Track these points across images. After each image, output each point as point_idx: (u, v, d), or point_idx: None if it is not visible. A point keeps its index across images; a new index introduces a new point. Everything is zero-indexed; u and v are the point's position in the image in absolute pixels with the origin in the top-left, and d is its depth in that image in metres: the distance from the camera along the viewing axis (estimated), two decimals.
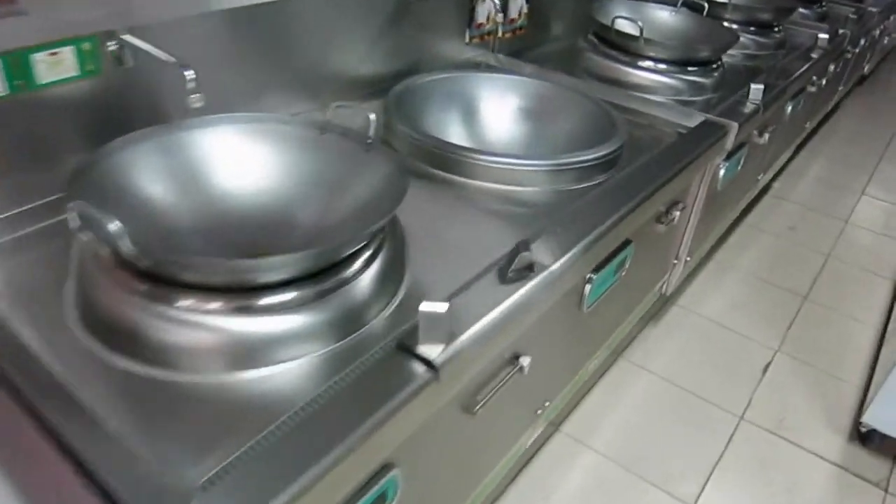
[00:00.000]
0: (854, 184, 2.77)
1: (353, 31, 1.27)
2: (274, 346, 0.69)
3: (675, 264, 1.63)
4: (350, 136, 0.93)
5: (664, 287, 1.67)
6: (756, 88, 1.52)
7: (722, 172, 1.54)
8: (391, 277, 0.84)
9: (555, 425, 1.47)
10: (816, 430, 1.55)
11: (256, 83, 1.12)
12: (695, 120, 1.42)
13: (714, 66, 1.70)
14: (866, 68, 3.71)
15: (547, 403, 1.16)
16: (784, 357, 1.77)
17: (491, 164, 1.10)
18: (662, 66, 1.62)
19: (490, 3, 1.58)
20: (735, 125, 1.41)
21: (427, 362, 0.68)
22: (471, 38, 1.59)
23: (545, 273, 0.85)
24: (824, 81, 2.38)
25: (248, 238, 0.86)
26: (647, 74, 1.62)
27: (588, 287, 1.08)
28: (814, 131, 3.07)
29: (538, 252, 0.88)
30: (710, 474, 1.42)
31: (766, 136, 1.78)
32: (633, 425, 1.50)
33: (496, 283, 0.81)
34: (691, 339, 1.79)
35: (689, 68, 1.64)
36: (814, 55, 2.08)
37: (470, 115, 1.38)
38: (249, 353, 0.68)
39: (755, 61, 1.98)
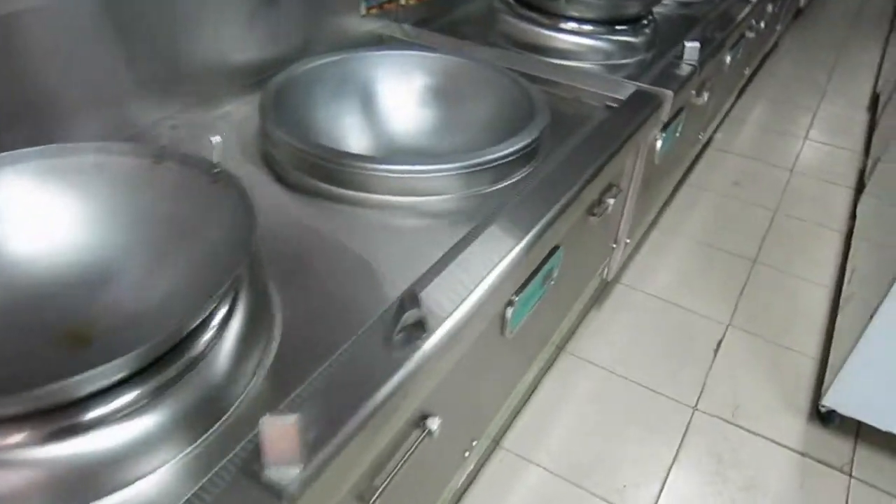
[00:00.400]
0: (797, 128, 2.66)
1: (219, 11, 1.05)
2: (114, 468, 0.52)
3: (614, 248, 1.48)
4: (193, 163, 0.73)
5: (605, 272, 1.52)
6: (691, 47, 1.36)
7: (659, 144, 1.38)
8: (254, 341, 0.66)
9: (495, 441, 1.33)
10: (774, 413, 1.45)
11: (87, 89, 0.90)
12: (625, 90, 1.25)
13: (645, 22, 1.53)
14: (802, 1, 3.59)
15: (475, 443, 1.01)
16: (736, 332, 1.65)
17: (389, 174, 0.91)
18: (588, 28, 1.44)
19: None
20: (670, 94, 1.25)
21: (277, 492, 0.51)
22: (368, 10, 1.37)
23: (446, 327, 0.68)
24: (763, 24, 2.23)
25: (65, 316, 0.66)
26: (570, 38, 1.43)
27: (510, 310, 0.91)
28: (753, 74, 2.95)
29: (438, 295, 0.71)
30: (665, 479, 1.30)
31: (705, 94, 1.62)
32: (579, 432, 1.37)
33: (379, 350, 0.64)
34: (638, 321, 1.66)
35: (618, 27, 1.46)
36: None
37: (367, 104, 1.18)
38: (82, 484, 0.51)
39: (690, 10, 1.81)
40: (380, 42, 1.40)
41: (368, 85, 1.20)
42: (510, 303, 0.90)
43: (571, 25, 1.43)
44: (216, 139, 0.75)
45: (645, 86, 1.26)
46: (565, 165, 1.02)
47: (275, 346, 0.67)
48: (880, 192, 1.88)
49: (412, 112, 1.20)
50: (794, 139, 2.58)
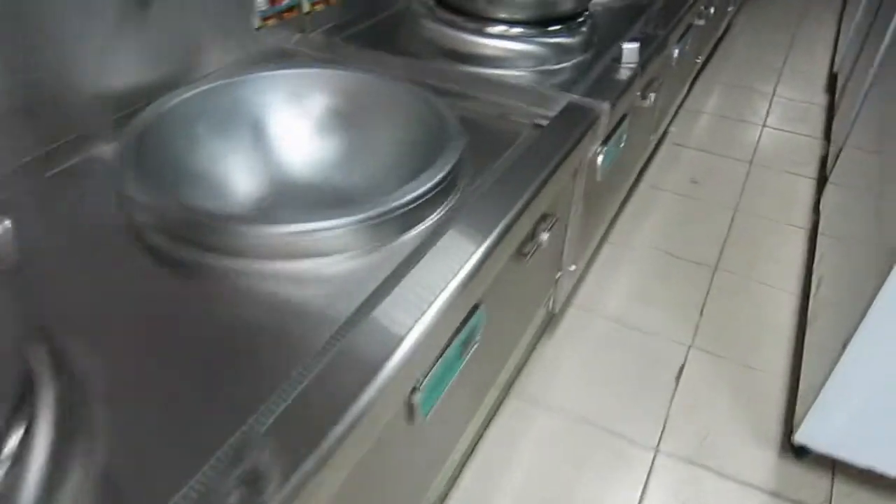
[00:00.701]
0: (754, 115, 2.53)
1: (80, 29, 0.87)
2: None
3: (559, 278, 1.33)
4: None
5: (551, 304, 1.37)
6: (630, 49, 1.20)
7: (601, 160, 1.22)
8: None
9: None
10: (743, 448, 1.31)
11: None
12: (556, 104, 1.08)
13: (581, 20, 1.37)
14: None
15: None
16: (698, 354, 1.51)
17: (272, 236, 0.74)
18: (516, 30, 1.27)
19: None
20: (607, 106, 1.09)
21: None
22: (264, 21, 1.19)
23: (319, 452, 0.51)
24: (713, 10, 2.09)
25: None
26: (497, 43, 1.27)
27: (419, 396, 0.75)
28: (707, 60, 2.81)
29: (318, 403, 0.54)
30: None
31: (652, 96, 1.47)
32: (530, 487, 1.22)
33: None
34: (592, 351, 1.51)
35: (551, 28, 1.30)
36: None
37: (257, 138, 1.01)
38: None
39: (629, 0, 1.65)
40: (282, 57, 1.22)
41: (258, 114, 1.02)
42: (416, 389, 0.74)
43: (498, 29, 1.27)
44: (6, 223, 0.58)
45: (578, 98, 1.10)
46: (486, 202, 0.86)
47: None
48: (843, 184, 1.75)
49: (310, 143, 1.03)
50: (752, 127, 2.45)
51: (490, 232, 0.80)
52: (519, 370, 1.43)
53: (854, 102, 1.88)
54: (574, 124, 1.05)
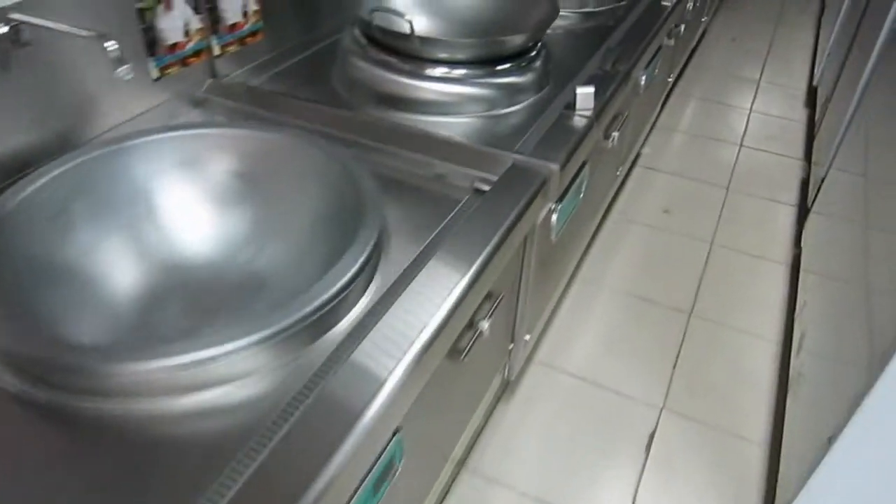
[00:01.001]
0: (730, 133, 2.39)
1: None
2: None
3: (512, 348, 1.18)
4: None
5: (506, 373, 1.22)
6: (584, 94, 1.05)
7: (555, 219, 1.08)
8: None
9: None
10: None
11: None
12: (500, 165, 0.94)
13: (533, 54, 1.21)
14: None
15: None
16: (671, 418, 1.37)
17: (156, 371, 0.59)
18: (460, 72, 1.11)
19: (181, 10, 1.02)
20: (556, 167, 0.94)
21: None
22: (162, 70, 1.03)
23: None
24: (683, 27, 1.95)
25: None
26: (438, 86, 1.11)
27: None
28: (681, 71, 2.68)
29: None
30: None
31: (615, 135, 1.32)
32: None
33: None
34: (555, 415, 1.36)
35: (500, 67, 1.14)
36: (666, 3, 1.63)
37: (143, 219, 0.84)
38: None
39: (595, 21, 1.50)
40: (192, 107, 1.06)
41: (145, 188, 0.86)
42: None
43: (439, 71, 1.11)
44: None
45: (524, 159, 0.95)
46: (410, 299, 0.71)
47: None
48: (827, 214, 1.62)
49: (209, 219, 0.87)
50: (729, 147, 2.31)
51: (416, 335, 0.66)
52: (476, 438, 1.28)
53: (838, 124, 1.74)
54: (520, 190, 0.90)
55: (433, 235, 0.83)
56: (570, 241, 1.35)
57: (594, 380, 1.44)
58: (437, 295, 0.71)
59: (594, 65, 1.26)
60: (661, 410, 1.39)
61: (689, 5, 1.99)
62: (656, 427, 1.35)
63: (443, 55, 1.10)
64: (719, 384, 1.45)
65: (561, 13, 1.49)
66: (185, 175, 0.87)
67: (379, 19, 1.08)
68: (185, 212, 0.86)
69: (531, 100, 1.14)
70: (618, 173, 1.70)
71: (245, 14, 1.13)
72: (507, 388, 1.39)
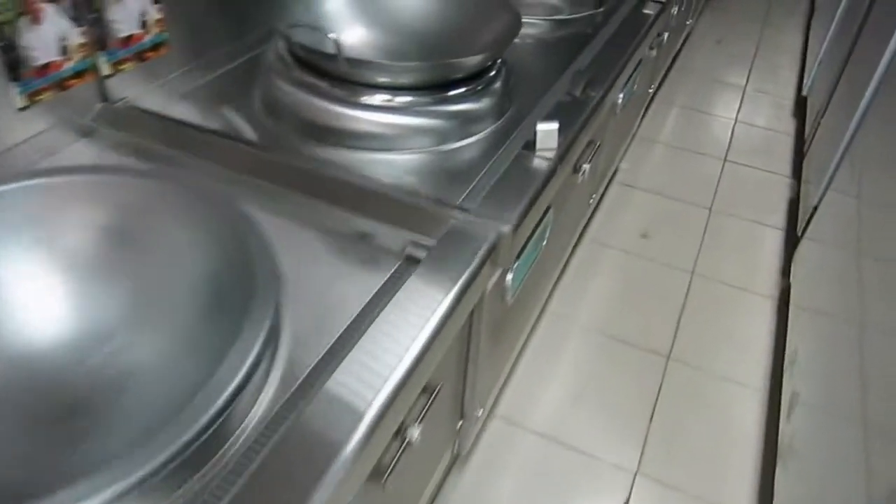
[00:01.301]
0: (714, 146, 2.24)
1: None
2: None
3: (461, 426, 1.01)
4: None
5: (456, 449, 1.05)
6: (546, 132, 0.88)
7: (510, 279, 0.91)
8: None
9: None
10: None
11: None
12: (440, 224, 0.76)
13: (492, 72, 1.04)
14: None
15: None
16: (646, 484, 1.22)
17: None
18: (405, 100, 0.93)
19: (54, 23, 0.83)
20: (507, 228, 0.77)
21: None
22: (31, 98, 0.83)
23: None
24: (667, 36, 1.78)
25: None
26: (376, 116, 0.92)
27: None
28: (663, 78, 2.51)
29: None
30: None
31: (587, 167, 1.15)
32: None
33: None
34: (516, 482, 1.20)
35: (452, 92, 0.96)
36: (649, 11, 1.46)
37: None
38: None
39: (569, 29, 1.33)
40: (77, 140, 0.87)
41: None
42: None
43: (378, 98, 0.93)
44: None
45: (468, 219, 0.77)
46: (318, 414, 0.55)
47: None
48: (821, 246, 1.47)
49: (56, 303, 0.69)
50: (713, 161, 2.15)
51: (326, 464, 0.49)
52: None
53: (834, 145, 1.58)
54: (463, 258, 0.72)
55: (352, 319, 0.66)
56: (532, 290, 1.19)
57: (560, 438, 1.28)
58: (354, 404, 0.55)
59: (564, 85, 1.09)
60: (634, 475, 1.23)
61: (674, 10, 1.82)
62: (630, 495, 1.19)
63: (382, 79, 0.92)
64: (700, 444, 1.29)
65: (530, 20, 1.32)
66: (34, 237, 0.69)
67: (300, 35, 0.89)
68: (32, 286, 0.68)
69: (489, 129, 0.97)
70: (591, 201, 1.53)
71: (144, 24, 0.94)
72: (458, 458, 1.22)
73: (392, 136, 0.92)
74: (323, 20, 1.02)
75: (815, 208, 1.59)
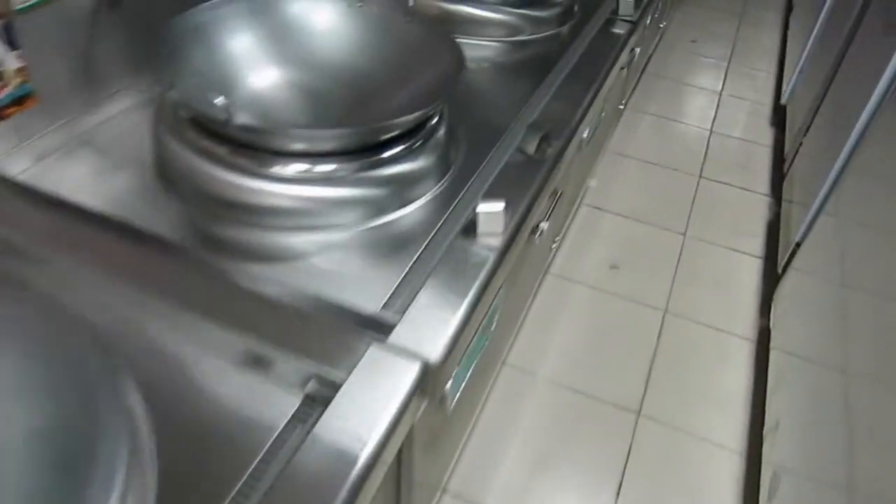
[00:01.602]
0: (688, 160, 2.10)
1: None
2: None
3: None
4: None
5: None
6: (489, 214, 0.72)
7: (450, 387, 0.75)
8: None
9: None
10: None
11: None
12: (350, 353, 0.61)
13: (433, 121, 0.87)
14: None
15: None
16: None
17: None
18: (326, 168, 0.76)
19: None
20: (438, 356, 0.61)
21: None
22: None
23: None
24: (639, 50, 1.63)
25: None
26: (290, 189, 0.75)
27: None
28: (635, 85, 2.36)
29: None
30: None
31: (545, 225, 1.00)
32: None
33: None
34: None
35: (385, 153, 0.80)
36: (619, 30, 1.30)
37: None
38: None
39: (528, 51, 1.17)
40: None
41: None
42: None
43: (293, 169, 0.76)
44: None
45: (386, 347, 0.62)
46: None
47: None
48: (805, 289, 1.35)
49: None
50: (687, 179, 2.02)
51: None
52: None
53: (819, 176, 1.45)
54: (382, 396, 0.57)
55: (235, 491, 0.51)
56: (480, 376, 1.04)
57: None
58: None
59: (520, 126, 0.93)
60: None
61: (648, 20, 1.67)
62: None
63: (294, 147, 0.75)
64: None
65: (485, 42, 1.16)
66: None
67: (185, 94, 0.72)
68: None
69: (428, 195, 0.81)
70: (553, 246, 1.38)
71: (0, 75, 0.76)
72: None
73: (309, 210, 0.76)
74: (220, 68, 0.84)
75: (798, 245, 1.46)
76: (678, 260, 1.70)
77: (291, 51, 0.94)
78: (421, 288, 0.67)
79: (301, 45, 0.95)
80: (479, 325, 0.78)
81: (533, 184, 0.83)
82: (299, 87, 0.93)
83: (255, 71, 0.91)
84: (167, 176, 0.78)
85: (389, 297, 0.67)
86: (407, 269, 0.70)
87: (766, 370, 1.39)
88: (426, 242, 0.73)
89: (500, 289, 0.83)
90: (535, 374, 1.38)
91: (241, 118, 0.81)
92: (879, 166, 1.18)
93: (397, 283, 0.68)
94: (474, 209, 0.72)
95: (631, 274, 1.64)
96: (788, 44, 2.62)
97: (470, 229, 0.73)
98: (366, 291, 0.67)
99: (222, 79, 0.86)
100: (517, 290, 1.08)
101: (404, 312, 0.65)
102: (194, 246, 0.70)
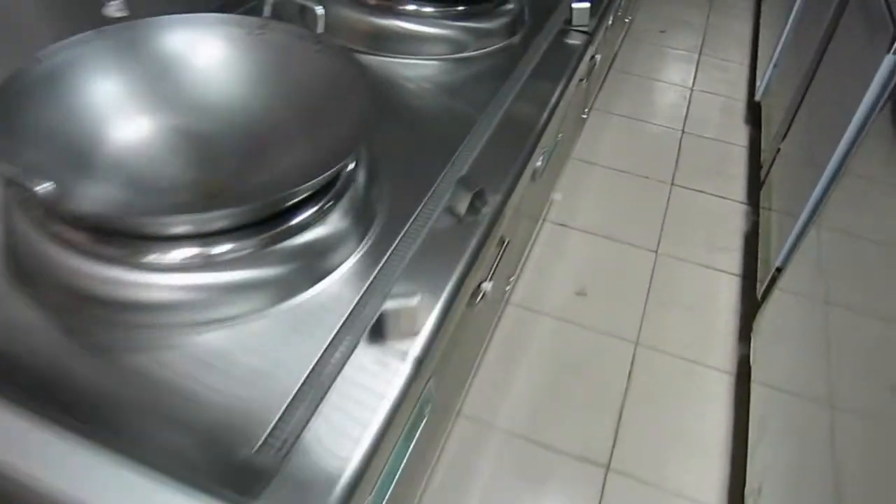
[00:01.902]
0: (660, 168, 1.96)
1: None
2: None
3: None
4: None
5: None
6: (400, 310, 0.57)
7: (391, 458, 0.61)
8: None
9: None
10: None
11: None
12: None
13: (347, 170, 0.71)
14: None
15: None
16: None
17: None
18: (199, 256, 0.60)
19: None
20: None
21: None
22: None
23: None
24: (600, 57, 1.48)
25: None
26: (160, 279, 0.59)
27: None
28: (600, 87, 2.21)
29: None
30: None
31: (488, 286, 0.85)
32: None
33: None
34: None
35: (284, 225, 0.63)
36: (575, 41, 1.15)
37: None
38: None
39: (473, 69, 1.02)
40: None
41: None
42: None
43: (176, 255, 0.60)
44: None
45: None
46: None
47: None
48: (790, 318, 1.22)
49: None
50: (658, 187, 1.88)
51: None
52: None
53: (800, 196, 1.31)
54: None
55: None
56: (418, 460, 0.89)
57: None
58: None
59: (455, 171, 0.78)
60: None
61: (610, 20, 1.51)
62: None
63: (173, 230, 0.59)
64: None
65: (424, 61, 1.01)
66: None
67: (12, 178, 0.56)
68: None
69: (351, 260, 0.66)
70: (507, 288, 1.24)
71: None
72: None
73: (194, 303, 0.60)
74: (77, 126, 0.68)
75: (780, 270, 1.33)
76: (650, 282, 1.57)
77: (174, 92, 0.77)
78: (316, 410, 0.52)
79: (186, 85, 0.79)
80: (398, 437, 0.63)
81: (464, 254, 0.68)
82: (185, 136, 0.76)
83: (127, 122, 0.74)
84: (22, 270, 0.62)
85: (274, 427, 0.52)
86: (303, 379, 0.55)
87: (747, 408, 1.26)
88: (330, 339, 0.58)
89: (426, 384, 0.69)
90: (490, 428, 1.24)
91: (99, 193, 0.65)
92: (870, 184, 1.05)
93: (289, 401, 0.53)
94: (383, 306, 0.57)
95: (599, 300, 1.50)
96: (761, 32, 2.49)
97: (377, 331, 0.58)
98: (245, 417, 0.52)
99: (80, 139, 0.69)
100: (459, 360, 0.93)
101: (288, 453, 0.50)
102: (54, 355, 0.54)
